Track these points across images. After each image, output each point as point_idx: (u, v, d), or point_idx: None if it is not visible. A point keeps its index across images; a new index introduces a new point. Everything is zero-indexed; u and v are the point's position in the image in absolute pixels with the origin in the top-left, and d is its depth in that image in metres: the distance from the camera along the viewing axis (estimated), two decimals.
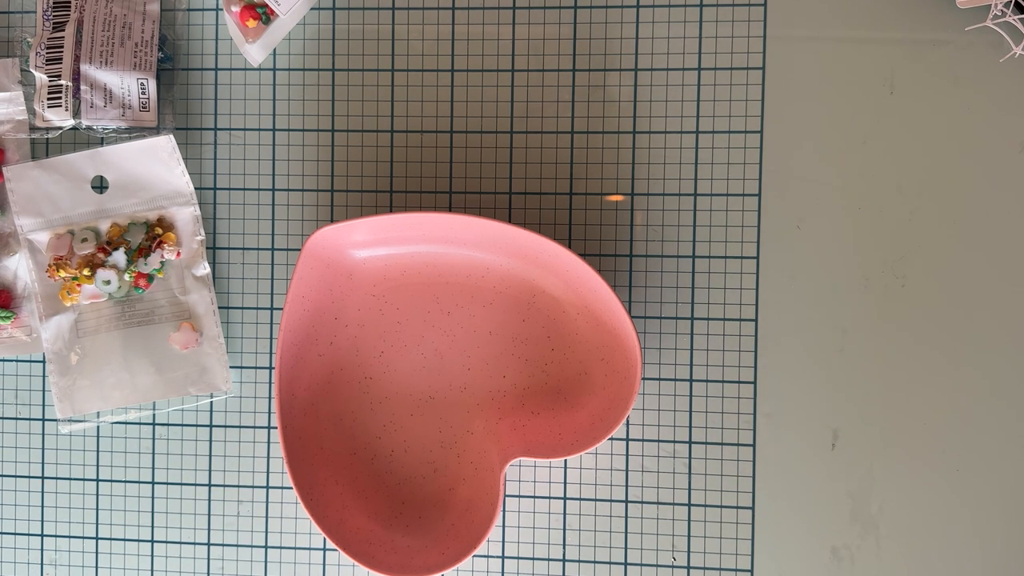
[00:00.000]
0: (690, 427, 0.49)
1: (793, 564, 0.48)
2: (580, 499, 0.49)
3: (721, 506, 0.49)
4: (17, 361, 0.53)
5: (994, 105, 0.47)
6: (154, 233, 0.50)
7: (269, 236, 0.51)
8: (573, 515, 0.50)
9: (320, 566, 0.51)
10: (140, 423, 0.52)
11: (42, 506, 0.53)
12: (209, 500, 0.52)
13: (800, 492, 0.48)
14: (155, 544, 0.52)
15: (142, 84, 0.50)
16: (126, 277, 0.50)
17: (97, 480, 0.53)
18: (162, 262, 0.50)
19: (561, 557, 0.50)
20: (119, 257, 0.50)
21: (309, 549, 0.51)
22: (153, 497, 0.52)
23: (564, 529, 0.50)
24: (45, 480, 0.53)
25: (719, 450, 0.49)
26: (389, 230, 0.47)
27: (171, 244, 0.50)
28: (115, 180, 0.51)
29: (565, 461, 0.50)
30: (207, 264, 0.51)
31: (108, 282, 0.50)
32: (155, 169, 0.50)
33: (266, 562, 0.51)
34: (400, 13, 0.50)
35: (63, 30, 0.50)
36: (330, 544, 0.49)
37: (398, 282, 0.49)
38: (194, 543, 0.52)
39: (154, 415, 0.52)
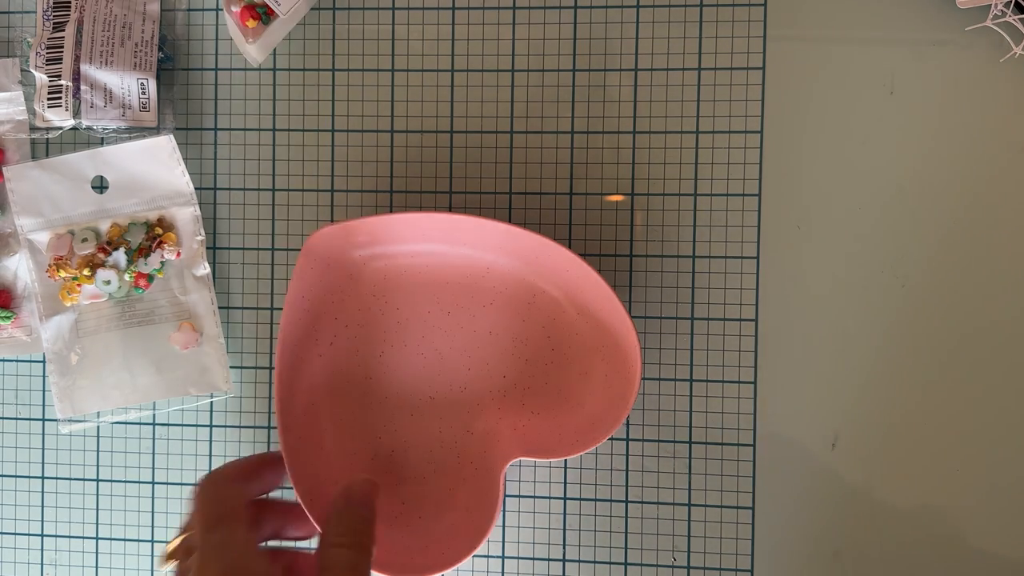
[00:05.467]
0: (690, 427, 0.49)
1: (793, 564, 0.48)
2: (580, 499, 0.49)
3: (721, 506, 0.49)
4: (17, 361, 0.53)
5: (994, 105, 0.47)
6: (154, 233, 0.50)
7: (269, 236, 0.51)
8: (573, 515, 0.50)
9: None
10: (140, 423, 0.52)
11: (42, 506, 0.53)
12: None
13: (800, 492, 0.48)
14: (155, 544, 0.52)
15: (142, 84, 0.50)
16: (126, 277, 0.50)
17: (97, 480, 0.53)
18: (162, 262, 0.50)
19: (561, 557, 0.50)
20: (119, 257, 0.50)
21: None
22: (153, 497, 0.52)
23: (564, 529, 0.50)
24: (45, 480, 0.53)
25: (719, 450, 0.49)
26: (389, 230, 0.47)
27: (171, 244, 0.50)
28: (115, 180, 0.51)
29: (565, 461, 0.50)
30: (207, 264, 0.51)
31: (108, 282, 0.50)
32: (155, 169, 0.50)
33: None
34: (400, 13, 0.50)
35: (63, 30, 0.50)
36: None
37: (398, 282, 0.49)
38: None
39: (154, 415, 0.52)
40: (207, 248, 0.51)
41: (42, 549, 0.53)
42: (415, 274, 0.49)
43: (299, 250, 0.49)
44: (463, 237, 0.46)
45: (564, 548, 0.50)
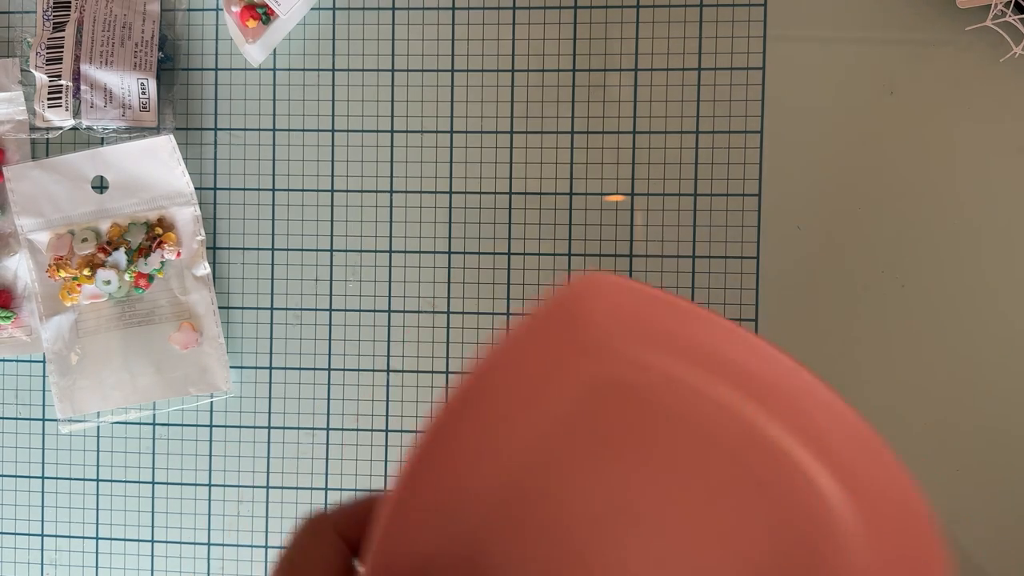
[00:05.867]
0: None
1: None
2: None
3: None
4: (17, 361, 0.53)
5: (994, 106, 0.47)
6: (154, 233, 0.50)
7: (269, 236, 0.51)
8: None
9: None
10: (140, 423, 0.52)
11: (42, 506, 0.53)
12: (209, 500, 0.52)
13: None
14: (155, 544, 0.52)
15: (142, 84, 0.50)
16: (126, 277, 0.50)
17: (97, 480, 0.53)
18: (162, 262, 0.50)
19: None
20: (119, 257, 0.50)
21: None
22: (153, 497, 0.52)
23: None
24: (45, 480, 0.53)
25: None
26: (680, 329, 0.31)
27: (171, 244, 0.50)
28: (115, 180, 0.51)
29: None
30: (207, 264, 0.51)
31: (108, 282, 0.50)
32: (155, 169, 0.50)
33: (266, 562, 0.51)
34: (400, 13, 0.50)
35: (63, 30, 0.50)
36: None
37: (640, 407, 0.31)
38: (194, 543, 0.52)
39: (154, 415, 0.52)
40: (207, 248, 0.51)
41: (42, 549, 0.53)
42: (669, 406, 0.32)
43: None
44: (773, 394, 0.32)
45: None
